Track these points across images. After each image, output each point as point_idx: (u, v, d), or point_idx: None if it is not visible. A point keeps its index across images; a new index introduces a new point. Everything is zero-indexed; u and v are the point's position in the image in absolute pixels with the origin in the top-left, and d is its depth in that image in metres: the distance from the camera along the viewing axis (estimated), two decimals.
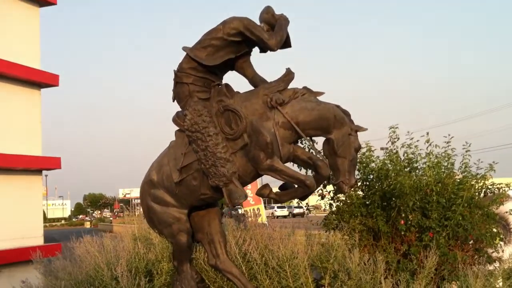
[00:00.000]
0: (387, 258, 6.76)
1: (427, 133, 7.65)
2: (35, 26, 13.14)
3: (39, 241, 12.21)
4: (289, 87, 5.73)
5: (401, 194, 6.92)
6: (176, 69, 5.91)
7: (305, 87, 5.78)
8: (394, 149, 7.73)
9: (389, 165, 7.43)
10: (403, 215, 7.08)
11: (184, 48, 5.86)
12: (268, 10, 5.78)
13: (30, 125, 12.76)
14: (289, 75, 5.78)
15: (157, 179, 6.26)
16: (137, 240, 7.60)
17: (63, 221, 70.61)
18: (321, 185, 7.59)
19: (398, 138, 7.74)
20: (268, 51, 5.93)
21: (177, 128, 6.14)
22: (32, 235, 11.95)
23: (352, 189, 5.64)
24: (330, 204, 8.04)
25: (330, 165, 5.65)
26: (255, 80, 5.96)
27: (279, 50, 5.97)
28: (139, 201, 7.29)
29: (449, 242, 7.00)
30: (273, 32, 5.66)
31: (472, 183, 7.43)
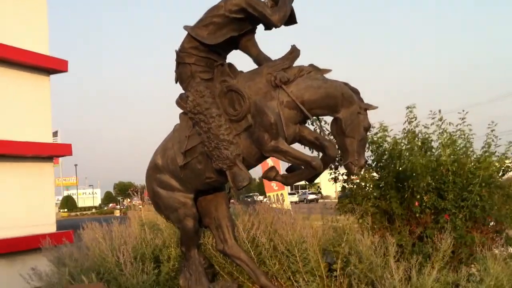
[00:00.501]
0: (401, 241, 6.51)
1: (439, 111, 7.31)
2: (43, 11, 12.97)
3: (51, 228, 12.18)
4: (294, 65, 5.51)
5: (413, 175, 6.64)
6: (177, 49, 5.70)
7: (311, 65, 5.53)
8: (412, 129, 7.40)
9: (402, 145, 7.12)
10: (417, 196, 6.79)
11: (185, 27, 5.66)
12: None
13: (40, 112, 12.66)
14: (294, 52, 5.55)
15: (162, 163, 6.14)
16: (144, 225, 7.47)
17: (93, 210, 71.63)
18: (334, 168, 7.35)
19: (415, 118, 7.39)
20: (273, 28, 5.70)
21: (181, 110, 5.98)
22: (44, 223, 11.92)
23: (362, 169, 5.38)
24: (343, 187, 7.78)
25: (339, 146, 5.44)
26: (259, 58, 5.75)
27: (285, 27, 5.75)
28: None
29: (467, 224, 6.70)
30: (277, 7, 5.40)
31: (491, 161, 7.09)
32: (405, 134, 7.30)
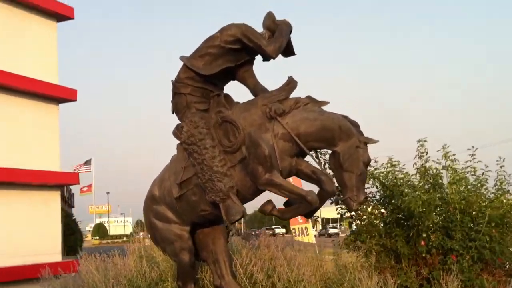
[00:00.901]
0: (406, 282, 6.21)
1: (443, 147, 7.07)
2: (53, 41, 13.18)
3: (56, 257, 12.04)
4: (291, 97, 5.41)
5: (413, 213, 6.36)
6: (174, 79, 5.66)
7: (308, 96, 5.41)
8: (423, 163, 7.14)
9: (407, 180, 6.87)
10: (424, 235, 6.50)
11: (181, 58, 5.65)
12: (269, 16, 5.48)
13: (48, 140, 12.70)
14: (291, 83, 5.46)
15: (159, 195, 6.03)
16: (142, 257, 7.27)
17: (124, 238, 71.99)
18: (334, 202, 7.11)
19: (427, 153, 7.13)
20: (271, 59, 5.62)
21: (178, 141, 5.89)
22: (49, 252, 11.78)
23: (362, 205, 5.17)
24: (350, 223, 7.53)
25: (337, 180, 5.27)
26: (256, 90, 5.66)
27: (284, 58, 5.68)
28: None
29: (475, 266, 6.36)
30: (273, 38, 5.34)
31: (504, 200, 6.79)
32: (417, 170, 7.04)
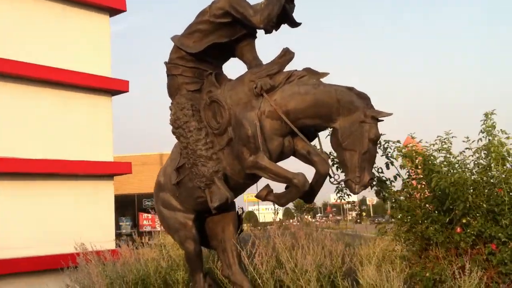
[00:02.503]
0: (435, 275, 5.38)
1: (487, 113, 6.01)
2: (106, 34, 13.37)
3: (111, 245, 12.22)
4: (286, 70, 4.85)
5: (448, 194, 5.47)
6: (166, 61, 5.35)
7: (306, 68, 4.81)
8: (491, 139, 6.02)
9: (441, 158, 5.96)
10: (463, 220, 5.59)
11: (172, 37, 5.30)
12: None
13: (102, 132, 12.95)
14: (285, 55, 4.89)
15: (163, 182, 5.84)
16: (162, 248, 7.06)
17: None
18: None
19: (495, 126, 5.91)
20: (272, 31, 5.06)
21: None
22: (104, 240, 11.96)
23: (365, 188, 4.49)
24: (392, 207, 6.74)
25: (339, 161, 4.70)
26: (252, 65, 5.17)
27: (290, 28, 5.10)
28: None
29: None
30: (261, 8, 4.80)
31: None
32: (484, 145, 5.98)
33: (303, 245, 5.83)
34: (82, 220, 11.90)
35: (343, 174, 4.62)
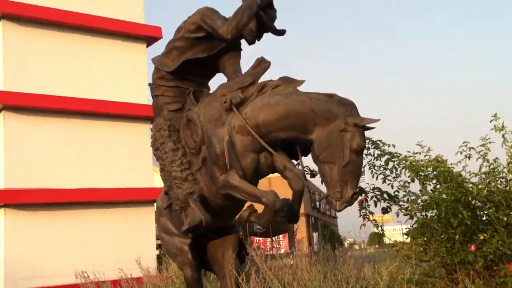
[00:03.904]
0: None
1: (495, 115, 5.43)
2: (143, 64, 13.76)
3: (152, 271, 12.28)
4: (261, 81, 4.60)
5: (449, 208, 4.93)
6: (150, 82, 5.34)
7: (282, 78, 4.53)
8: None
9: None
10: (481, 237, 4.99)
11: (153, 58, 5.24)
12: None
13: (143, 159, 13.20)
14: (259, 65, 4.63)
15: (161, 205, 5.67)
16: None
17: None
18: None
19: (504, 127, 5.37)
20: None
21: None
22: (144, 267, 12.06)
23: (348, 205, 4.10)
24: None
25: (320, 175, 4.33)
26: (231, 79, 4.96)
27: (277, 36, 4.89)
28: None
29: None
30: (231, 17, 4.64)
31: None
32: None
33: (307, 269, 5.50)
34: (122, 247, 12.03)
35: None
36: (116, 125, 13.10)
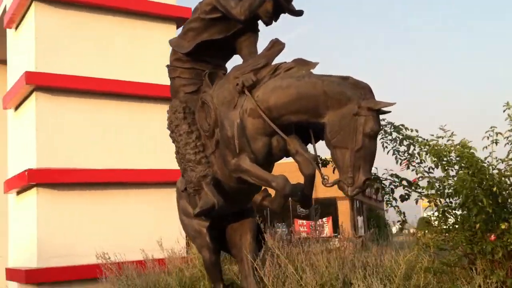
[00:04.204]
0: None
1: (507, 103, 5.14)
2: None
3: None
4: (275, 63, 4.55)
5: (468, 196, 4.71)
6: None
7: (296, 60, 4.48)
8: None
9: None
10: (503, 226, 4.76)
11: (170, 40, 5.35)
12: None
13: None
14: (273, 47, 4.66)
15: (180, 187, 5.73)
16: None
17: None
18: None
19: None
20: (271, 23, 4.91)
21: None
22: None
23: (360, 191, 4.00)
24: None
25: (332, 159, 4.27)
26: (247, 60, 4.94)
27: (294, 17, 4.81)
28: None
29: None
30: None
31: None
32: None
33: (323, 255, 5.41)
34: (155, 227, 12.12)
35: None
36: (148, 106, 13.13)
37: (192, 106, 5.02)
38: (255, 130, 4.35)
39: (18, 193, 12.96)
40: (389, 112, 4.13)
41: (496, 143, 5.23)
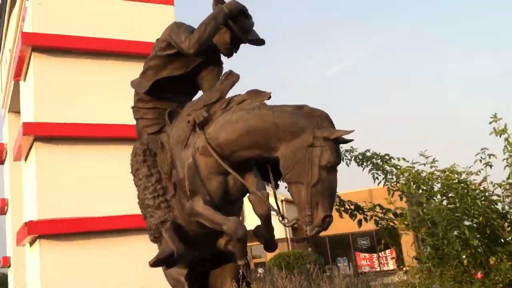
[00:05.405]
0: None
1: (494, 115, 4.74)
2: None
3: None
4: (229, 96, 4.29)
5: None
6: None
7: (249, 91, 4.20)
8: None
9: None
10: (490, 261, 4.32)
11: (132, 81, 5.06)
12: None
13: None
14: (227, 79, 4.36)
15: None
16: None
17: None
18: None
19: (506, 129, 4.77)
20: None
21: None
22: None
23: (321, 230, 3.64)
24: None
25: (291, 196, 3.90)
26: None
27: (254, 46, 4.58)
28: None
29: None
30: (194, 31, 4.39)
31: None
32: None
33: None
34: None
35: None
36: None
37: (154, 148, 4.73)
38: (208, 170, 4.03)
39: (30, 244, 12.96)
40: (351, 140, 3.80)
41: (490, 166, 4.83)
